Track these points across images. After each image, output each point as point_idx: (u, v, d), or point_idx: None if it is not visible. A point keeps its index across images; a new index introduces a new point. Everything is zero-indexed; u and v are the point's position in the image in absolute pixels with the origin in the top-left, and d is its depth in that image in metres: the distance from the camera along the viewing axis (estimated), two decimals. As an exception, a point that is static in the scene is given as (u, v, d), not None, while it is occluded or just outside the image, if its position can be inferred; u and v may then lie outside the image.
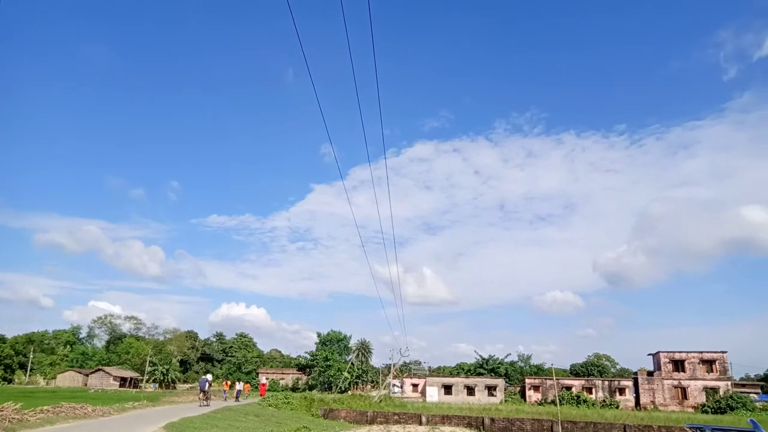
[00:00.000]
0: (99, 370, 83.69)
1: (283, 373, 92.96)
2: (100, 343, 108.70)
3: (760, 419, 40.44)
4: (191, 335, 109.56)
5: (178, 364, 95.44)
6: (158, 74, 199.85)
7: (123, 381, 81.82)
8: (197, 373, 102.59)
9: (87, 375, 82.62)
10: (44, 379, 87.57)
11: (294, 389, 79.71)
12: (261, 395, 44.88)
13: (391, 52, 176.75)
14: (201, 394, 32.86)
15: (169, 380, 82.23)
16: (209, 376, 34.37)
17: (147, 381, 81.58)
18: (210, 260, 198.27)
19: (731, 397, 56.90)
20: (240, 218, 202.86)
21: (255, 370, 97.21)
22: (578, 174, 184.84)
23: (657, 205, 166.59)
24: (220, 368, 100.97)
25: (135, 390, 70.31)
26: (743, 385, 69.24)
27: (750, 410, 53.94)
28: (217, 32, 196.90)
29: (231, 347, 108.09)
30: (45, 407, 20.11)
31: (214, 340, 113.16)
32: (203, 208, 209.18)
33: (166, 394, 53.32)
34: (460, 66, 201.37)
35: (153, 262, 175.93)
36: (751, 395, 62.90)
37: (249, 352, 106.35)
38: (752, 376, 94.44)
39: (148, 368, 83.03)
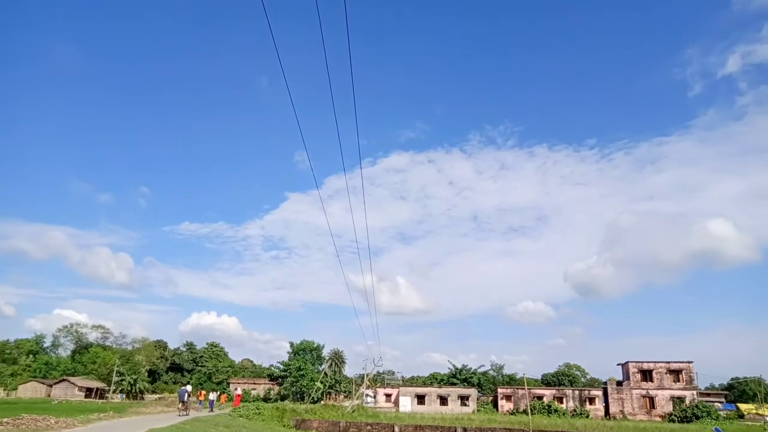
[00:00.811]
0: (63, 380, 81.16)
1: (254, 383, 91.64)
2: (65, 352, 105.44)
3: (725, 428, 41.48)
4: (160, 345, 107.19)
5: (146, 374, 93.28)
6: (128, 78, 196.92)
7: (89, 392, 79.51)
8: (166, 383, 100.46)
9: (50, 386, 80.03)
10: (5, 390, 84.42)
11: (266, 399, 78.63)
12: (235, 405, 44.30)
13: (368, 63, 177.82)
14: (180, 404, 33.94)
15: (137, 391, 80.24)
16: (189, 387, 35.60)
17: (114, 391, 79.47)
18: (181, 268, 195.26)
19: (697, 406, 58.16)
20: (213, 226, 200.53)
21: (226, 380, 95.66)
22: (550, 187, 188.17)
23: (626, 218, 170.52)
24: (190, 378, 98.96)
25: (101, 401, 68.38)
26: (708, 395, 70.90)
27: (714, 419, 55.28)
28: (191, 36, 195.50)
29: (201, 357, 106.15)
30: (5, 419, 19.45)
31: (184, 349, 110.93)
32: (175, 215, 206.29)
33: (134, 404, 52.03)
34: (437, 79, 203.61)
35: (121, 269, 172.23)
36: (716, 404, 64.45)
37: (220, 361, 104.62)
38: (717, 386, 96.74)
39: (115, 378, 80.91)
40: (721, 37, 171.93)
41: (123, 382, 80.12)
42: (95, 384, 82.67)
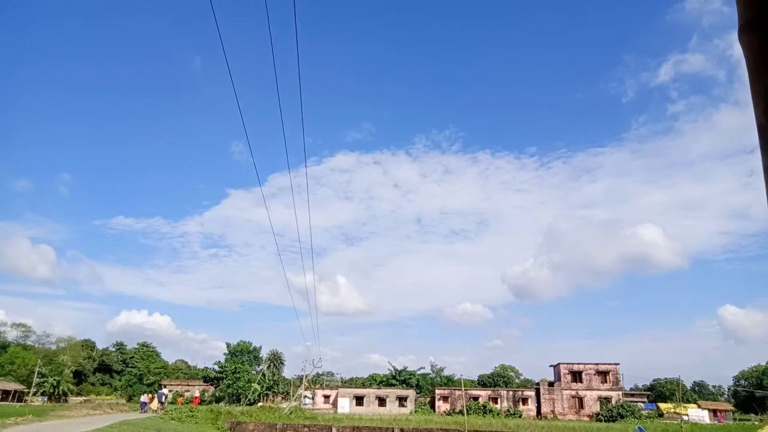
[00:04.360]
0: (-23, 382, 75.71)
1: (188, 385, 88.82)
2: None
3: (646, 426, 43.85)
4: (88, 344, 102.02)
5: (71, 375, 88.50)
6: (42, 49, 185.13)
7: (5, 394, 74.48)
8: (93, 385, 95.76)
9: (-38, 388, 74.44)
10: None
11: (200, 402, 76.40)
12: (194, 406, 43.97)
13: (315, 61, 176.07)
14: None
15: (60, 393, 76.01)
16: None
17: (34, 394, 74.88)
18: (113, 264, 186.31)
19: (622, 406, 61.20)
20: (149, 221, 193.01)
21: (158, 381, 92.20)
22: (491, 192, 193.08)
23: (562, 224, 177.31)
24: (119, 380, 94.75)
25: (19, 404, 64.25)
26: (632, 395, 74.69)
27: (637, 418, 58.35)
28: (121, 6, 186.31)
29: (132, 357, 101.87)
30: None
31: (114, 349, 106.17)
32: (108, 209, 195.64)
33: (56, 408, 49.18)
34: (385, 81, 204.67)
35: (43, 263, 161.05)
36: (639, 404, 68.02)
37: (152, 362, 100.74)
38: (640, 387, 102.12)
39: (36, 380, 76.27)
40: (655, 47, 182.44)
41: (45, 384, 75.66)
42: (13, 386, 77.55)
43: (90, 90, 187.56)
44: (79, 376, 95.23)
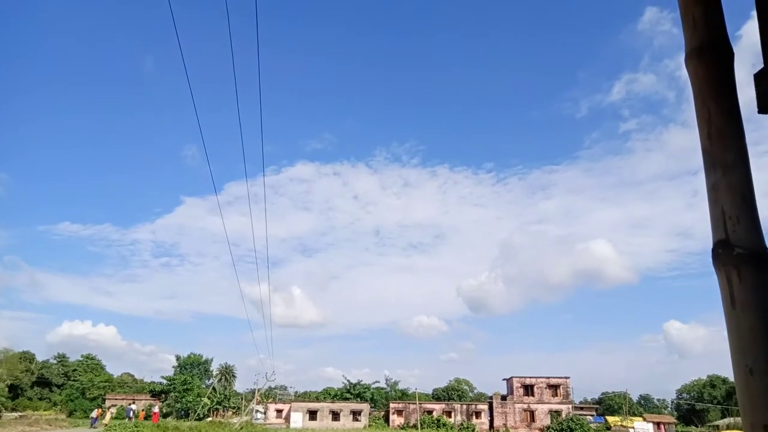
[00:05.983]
0: None
1: (134, 399, 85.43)
2: None
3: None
4: (26, 356, 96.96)
5: (6, 389, 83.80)
6: None
7: (-68, 410, 69.76)
8: (30, 399, 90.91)
9: None
10: None
11: (147, 417, 73.53)
12: (154, 421, 42.24)
13: (275, 70, 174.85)
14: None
15: (-7, 408, 71.69)
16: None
17: (-36, 410, 70.38)
18: (57, 272, 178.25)
19: (572, 419, 62.45)
20: (97, 227, 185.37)
21: (102, 395, 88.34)
22: (449, 206, 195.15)
23: (517, 238, 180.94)
24: (60, 394, 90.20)
25: (-53, 420, 60.22)
26: (582, 408, 76.36)
27: (586, 431, 59.70)
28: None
29: (75, 370, 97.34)
30: None
31: (55, 362, 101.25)
32: (53, 214, 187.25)
33: (-12, 424, 46.37)
34: (347, 92, 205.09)
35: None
36: (588, 417, 69.60)
37: (96, 375, 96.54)
38: (589, 400, 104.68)
39: (-33, 394, 71.80)
40: (608, 66, 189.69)
41: (-24, 399, 71.25)
42: (-59, 401, 72.79)
43: (31, 86, 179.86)
44: (15, 390, 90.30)
